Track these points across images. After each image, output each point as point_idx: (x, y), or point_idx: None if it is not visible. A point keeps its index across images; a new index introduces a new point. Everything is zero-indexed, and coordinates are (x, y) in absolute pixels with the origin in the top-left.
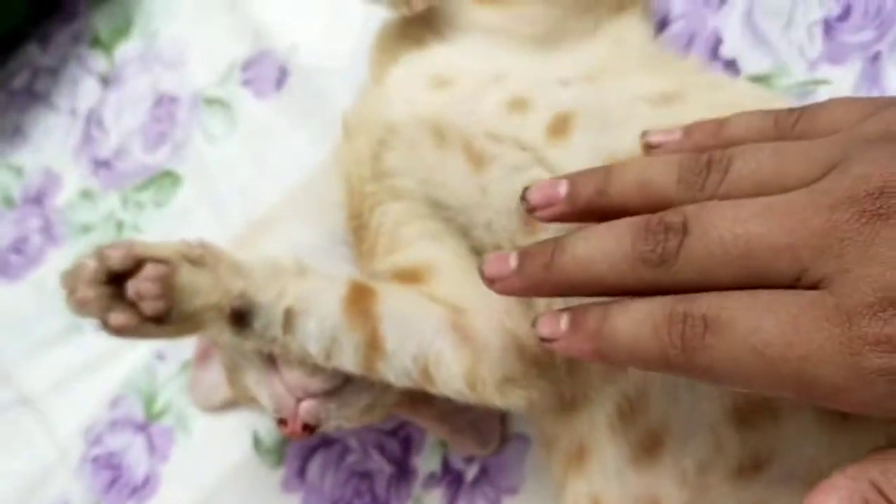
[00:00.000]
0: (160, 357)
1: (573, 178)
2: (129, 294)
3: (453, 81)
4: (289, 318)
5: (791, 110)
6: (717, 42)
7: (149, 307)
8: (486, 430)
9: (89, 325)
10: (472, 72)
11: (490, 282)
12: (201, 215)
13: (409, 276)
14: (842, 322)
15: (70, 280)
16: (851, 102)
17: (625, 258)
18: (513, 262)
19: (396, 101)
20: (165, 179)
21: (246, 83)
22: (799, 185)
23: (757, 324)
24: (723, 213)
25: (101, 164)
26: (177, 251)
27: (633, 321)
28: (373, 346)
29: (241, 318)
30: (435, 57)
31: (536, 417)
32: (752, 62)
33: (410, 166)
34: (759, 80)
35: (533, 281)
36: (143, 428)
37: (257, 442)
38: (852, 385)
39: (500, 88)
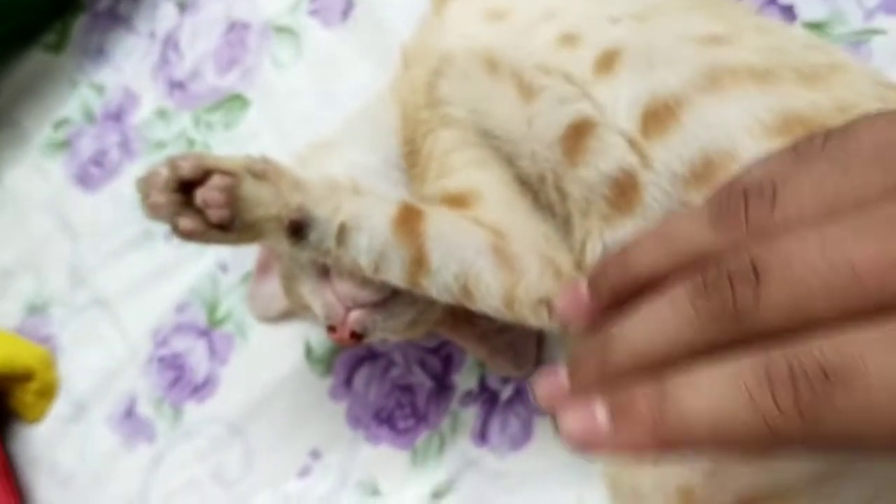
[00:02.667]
0: (223, 268)
1: (591, 274)
2: (197, 201)
3: (507, 15)
4: (342, 233)
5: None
6: None
7: (214, 214)
8: (522, 353)
9: (161, 234)
10: (526, 6)
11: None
12: (266, 137)
13: (456, 201)
14: None
15: (144, 186)
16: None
17: (687, 323)
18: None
19: (452, 33)
20: (234, 102)
21: (313, 13)
22: (880, 194)
23: None
24: (801, 236)
25: (176, 86)
26: (242, 165)
27: (711, 392)
28: (418, 262)
29: (298, 229)
30: None
31: (568, 340)
32: (809, 9)
33: (462, 96)
34: (815, 27)
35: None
36: (205, 333)
37: (309, 352)
38: None
39: (552, 23)
